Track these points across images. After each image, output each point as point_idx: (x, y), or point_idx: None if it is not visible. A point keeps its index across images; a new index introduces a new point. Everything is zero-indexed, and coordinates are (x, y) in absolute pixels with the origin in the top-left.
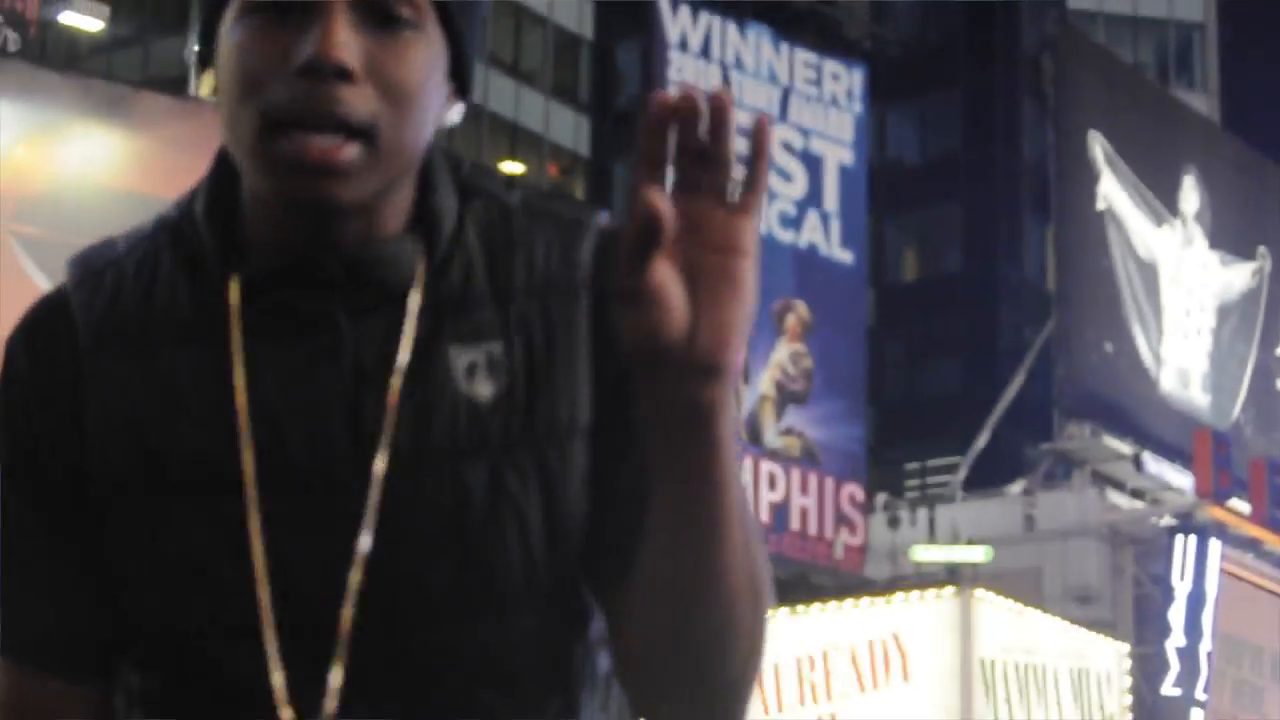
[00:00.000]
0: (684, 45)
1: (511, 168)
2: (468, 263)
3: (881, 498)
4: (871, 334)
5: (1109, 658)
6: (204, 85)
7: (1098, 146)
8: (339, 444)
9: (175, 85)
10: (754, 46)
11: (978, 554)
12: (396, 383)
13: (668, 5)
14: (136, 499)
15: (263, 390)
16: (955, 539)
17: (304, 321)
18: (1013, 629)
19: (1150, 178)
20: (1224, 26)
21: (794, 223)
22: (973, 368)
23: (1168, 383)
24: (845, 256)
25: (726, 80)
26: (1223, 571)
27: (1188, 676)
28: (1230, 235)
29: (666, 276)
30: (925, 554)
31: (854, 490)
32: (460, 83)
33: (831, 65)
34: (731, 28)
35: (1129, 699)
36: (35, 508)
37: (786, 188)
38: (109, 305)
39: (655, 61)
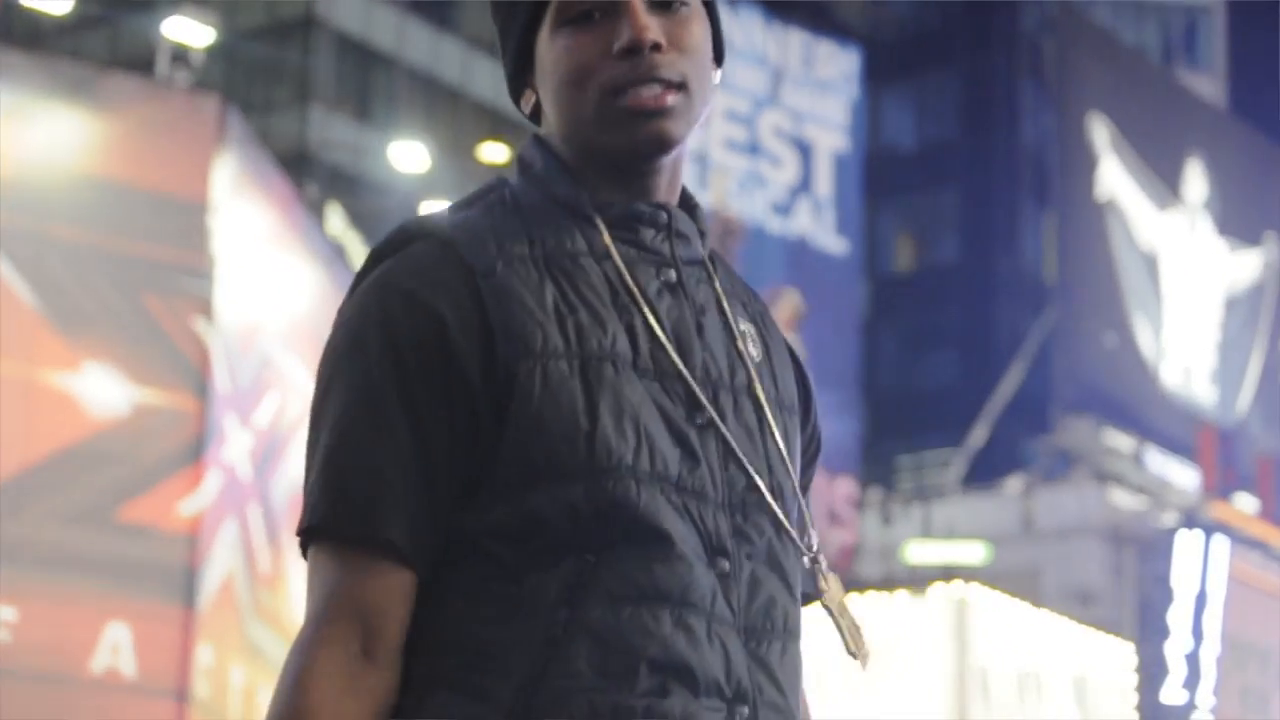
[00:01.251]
0: None
1: (494, 149)
2: (718, 261)
3: (875, 493)
4: (865, 325)
5: (1112, 661)
6: (526, 104)
7: (1100, 130)
8: (697, 348)
9: (143, 66)
10: (745, 26)
11: (974, 552)
12: (719, 322)
13: None
14: (573, 365)
15: (650, 302)
16: (951, 536)
17: (656, 257)
18: (1011, 631)
19: (1154, 163)
20: (1231, 7)
21: (785, 210)
22: (969, 360)
23: (1170, 376)
24: (838, 245)
25: None
26: (1230, 573)
27: (1193, 681)
28: (1237, 222)
29: None
30: (919, 552)
31: (847, 486)
32: (717, 53)
33: (825, 47)
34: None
35: (1134, 702)
36: (434, 405)
37: (778, 174)
38: (491, 236)
39: None
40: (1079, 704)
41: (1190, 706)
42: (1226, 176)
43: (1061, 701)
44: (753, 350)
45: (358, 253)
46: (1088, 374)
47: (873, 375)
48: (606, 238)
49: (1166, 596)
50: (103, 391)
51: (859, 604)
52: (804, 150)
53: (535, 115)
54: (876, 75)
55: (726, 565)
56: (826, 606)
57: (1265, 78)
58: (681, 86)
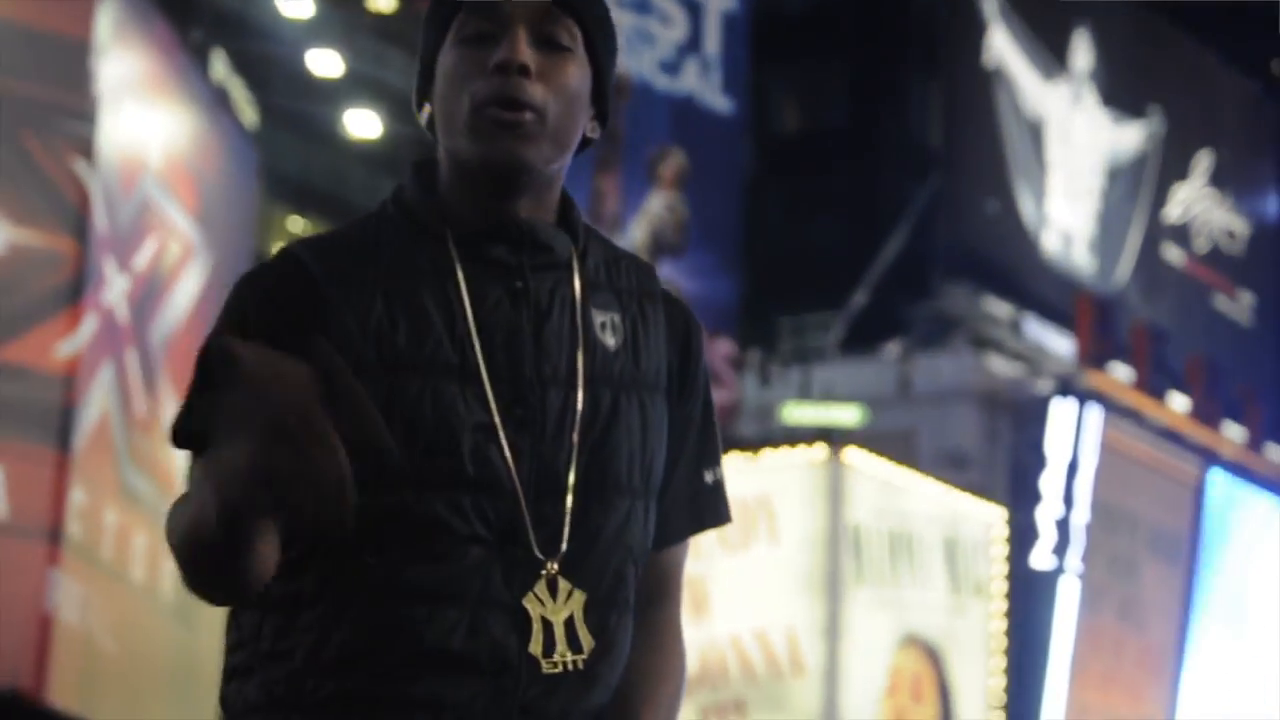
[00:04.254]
0: None
1: None
2: (596, 260)
3: (754, 355)
4: (750, 186)
5: (983, 524)
6: (423, 116)
7: None
8: (528, 358)
9: None
10: None
11: (850, 415)
12: (565, 321)
13: None
14: (400, 377)
15: (479, 312)
16: (829, 399)
17: (504, 270)
18: (885, 492)
19: (1041, 32)
20: None
21: (672, 69)
22: (853, 224)
23: (1051, 244)
24: (725, 105)
25: None
26: (1102, 441)
27: (1062, 546)
28: (1122, 93)
29: None
30: (797, 413)
31: (726, 346)
32: (599, 109)
33: None
34: None
35: (1003, 568)
36: None
37: (666, 32)
38: (345, 256)
39: None
40: (949, 566)
41: (1059, 571)
42: (1113, 48)
43: (932, 563)
44: (610, 339)
45: (241, 98)
46: (969, 241)
47: (756, 237)
48: (453, 255)
49: (1039, 463)
50: None
51: (737, 463)
52: (693, 8)
53: (431, 127)
54: None
55: (517, 553)
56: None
57: None
58: (538, 112)
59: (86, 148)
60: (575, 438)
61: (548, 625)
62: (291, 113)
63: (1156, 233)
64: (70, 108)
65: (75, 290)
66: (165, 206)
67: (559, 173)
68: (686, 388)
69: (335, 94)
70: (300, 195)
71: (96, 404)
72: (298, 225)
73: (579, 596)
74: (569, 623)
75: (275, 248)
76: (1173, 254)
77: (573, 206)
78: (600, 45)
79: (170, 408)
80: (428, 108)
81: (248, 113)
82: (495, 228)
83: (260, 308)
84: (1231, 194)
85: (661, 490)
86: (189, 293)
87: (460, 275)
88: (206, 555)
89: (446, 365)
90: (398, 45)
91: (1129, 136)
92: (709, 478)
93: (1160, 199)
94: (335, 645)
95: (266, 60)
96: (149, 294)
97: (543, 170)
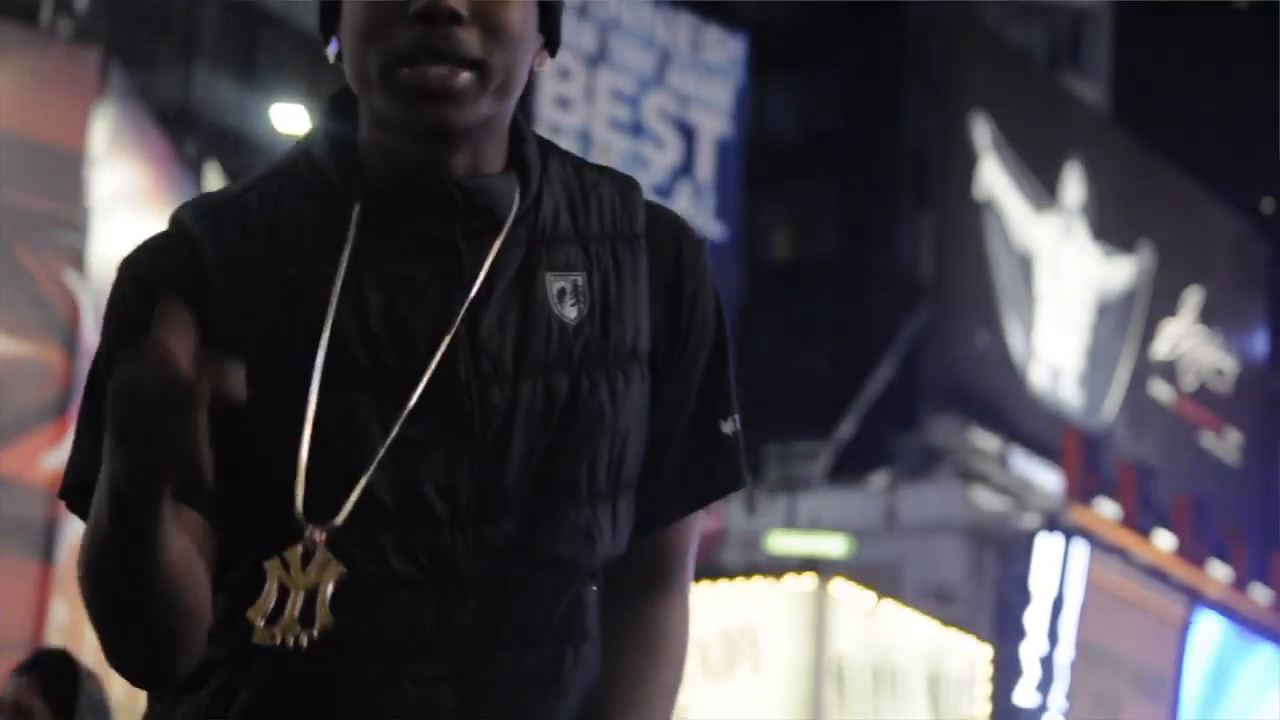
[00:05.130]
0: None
1: None
2: (555, 205)
3: None
4: (740, 312)
5: (968, 660)
6: (330, 51)
7: (982, 130)
8: (461, 347)
9: (27, 14)
10: (634, 7)
11: (836, 545)
12: (510, 297)
13: None
14: (263, 387)
15: (380, 298)
16: (815, 528)
17: (426, 242)
18: (869, 624)
19: (1033, 164)
20: (1117, 14)
21: (666, 193)
22: (842, 353)
23: (1039, 378)
24: (717, 231)
25: (604, 41)
26: (1088, 578)
27: (1046, 683)
28: (1113, 228)
29: None
30: (782, 542)
31: None
32: (549, 38)
33: (714, 32)
34: None
35: (987, 705)
36: None
37: (659, 156)
38: (236, 230)
39: None
40: (933, 701)
41: (1043, 709)
42: (1105, 182)
43: (916, 698)
44: (569, 310)
45: None
46: (957, 372)
47: (745, 363)
48: (352, 226)
49: (1024, 598)
50: None
51: (722, 591)
52: (687, 133)
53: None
54: (763, 63)
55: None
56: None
57: (1148, 85)
58: (478, 66)
59: (78, 259)
60: (523, 442)
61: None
62: None
63: (1145, 369)
64: (63, 218)
65: (63, 402)
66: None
67: (505, 114)
68: (681, 339)
69: None
70: None
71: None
72: None
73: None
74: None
75: None
76: (1161, 391)
77: (525, 139)
78: None
79: None
80: (336, 42)
81: None
82: (419, 193)
83: (140, 302)
84: (1220, 332)
85: (654, 462)
86: None
87: (372, 254)
88: (111, 561)
89: (354, 370)
90: None
91: (1119, 271)
92: (725, 428)
93: (1149, 335)
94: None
95: None
96: None
97: (481, 125)
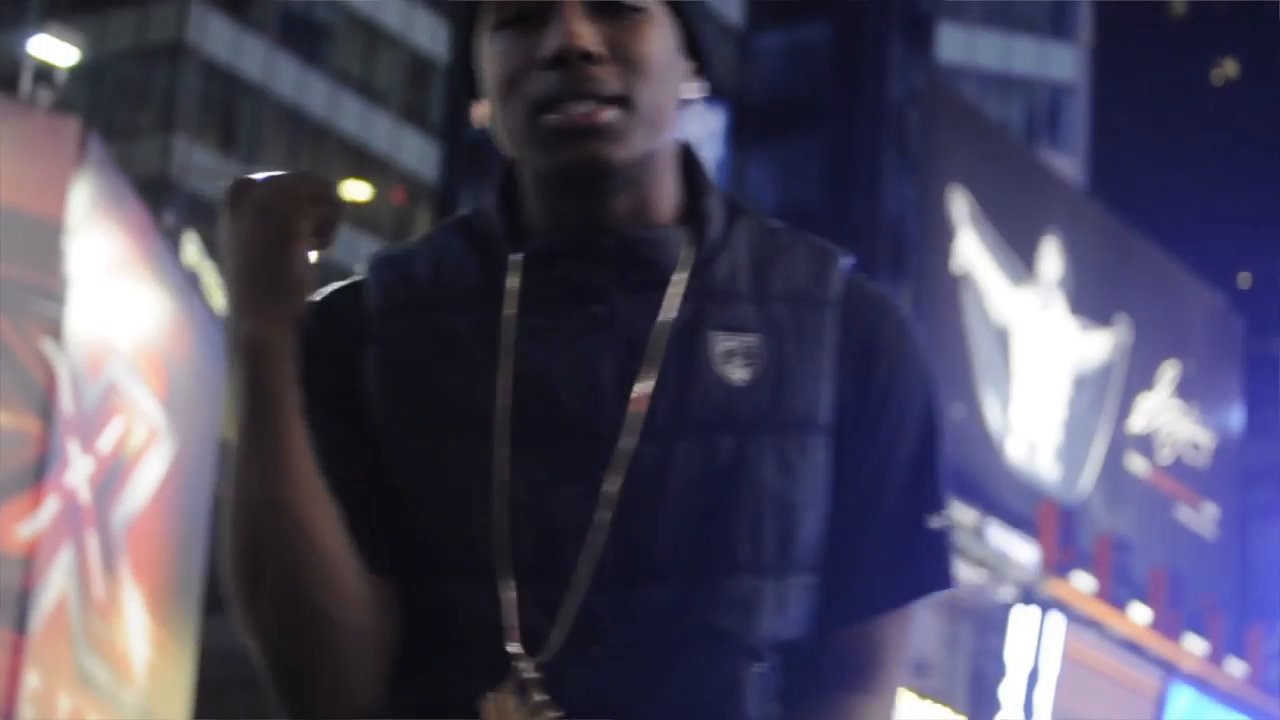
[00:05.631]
0: None
1: (357, 187)
2: (734, 263)
3: None
4: None
5: None
6: (478, 115)
7: (959, 203)
8: (605, 398)
9: (7, 84)
10: None
11: None
12: (663, 353)
13: None
14: (409, 440)
15: (532, 349)
16: None
17: (580, 293)
18: None
19: (1011, 238)
20: (1095, 89)
21: None
22: None
23: (1015, 451)
24: None
25: None
26: (1063, 651)
27: None
28: (1090, 302)
29: None
30: None
31: None
32: (698, 61)
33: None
34: None
35: None
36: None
37: None
38: (400, 278)
39: None
40: None
41: None
42: (1082, 256)
43: None
44: (737, 372)
45: (213, 282)
46: None
47: None
48: (512, 278)
49: (1000, 670)
50: None
51: None
52: None
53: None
54: (742, 136)
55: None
56: None
57: (1125, 161)
58: (620, 103)
59: (55, 328)
60: (677, 504)
61: None
62: None
63: (1121, 442)
64: (40, 287)
65: (38, 470)
66: (132, 389)
67: (664, 153)
68: (873, 418)
69: None
70: None
71: (55, 587)
72: None
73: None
74: None
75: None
76: (1137, 464)
77: (705, 193)
78: None
79: (130, 591)
80: (479, 107)
81: (219, 297)
82: (576, 242)
83: (316, 333)
84: (1197, 405)
85: (847, 549)
86: (153, 477)
87: (527, 306)
88: (252, 482)
89: (478, 421)
90: (372, 233)
91: (1096, 345)
92: (931, 523)
93: (1126, 409)
94: None
95: None
96: (112, 477)
97: (638, 163)
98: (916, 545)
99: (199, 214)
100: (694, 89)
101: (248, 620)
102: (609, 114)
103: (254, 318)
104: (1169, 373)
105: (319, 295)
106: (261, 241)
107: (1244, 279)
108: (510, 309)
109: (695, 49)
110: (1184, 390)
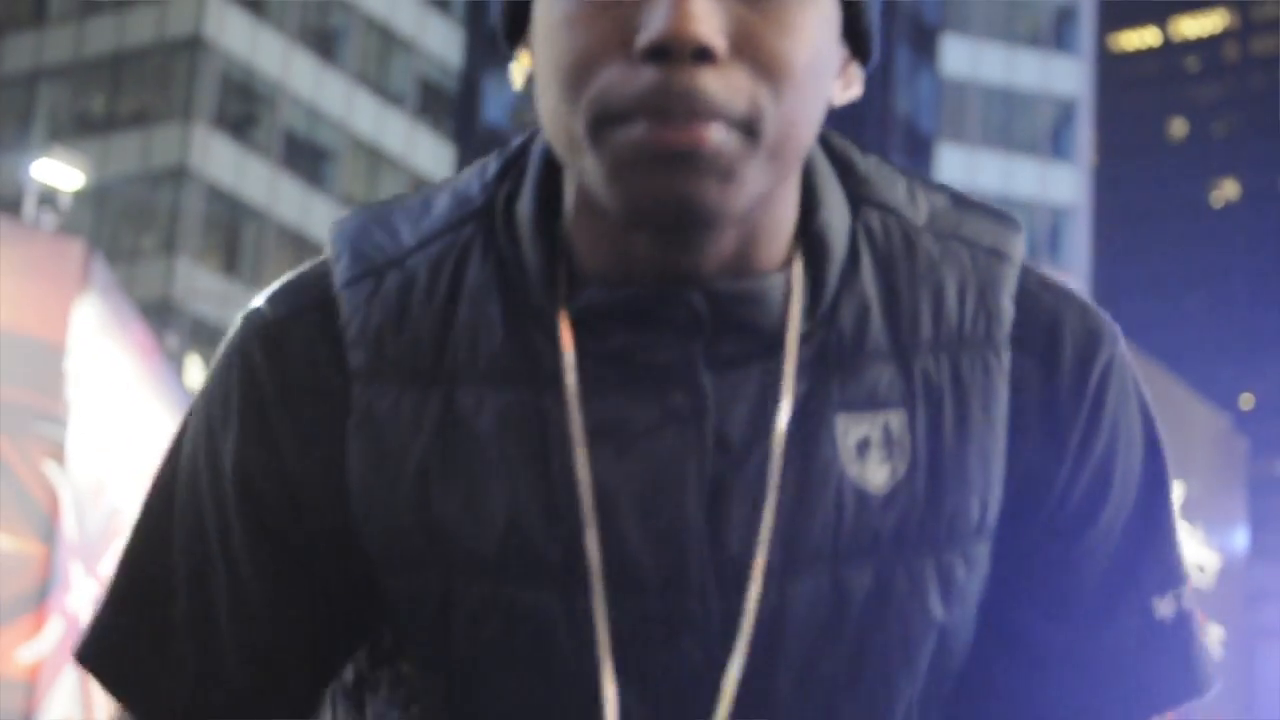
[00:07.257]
0: None
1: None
2: (862, 304)
3: None
4: None
5: None
6: (516, 74)
7: None
8: (693, 534)
9: (11, 207)
10: None
11: None
12: (774, 462)
13: None
14: (427, 578)
15: (599, 456)
16: None
17: (652, 373)
18: None
19: None
20: (1096, 211)
21: None
22: None
23: None
24: None
25: None
26: None
27: None
28: None
29: None
30: None
31: None
32: (856, 44)
33: None
34: None
35: None
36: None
37: None
38: (393, 319)
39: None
40: None
41: None
42: None
43: None
44: (875, 472)
45: None
46: None
47: None
48: (566, 345)
49: None
50: None
51: None
52: None
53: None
54: None
55: None
56: None
57: (1127, 282)
58: (742, 125)
59: (58, 451)
60: (794, 656)
61: None
62: None
63: None
64: (43, 410)
65: (40, 594)
66: (135, 512)
67: (788, 188)
68: (1071, 489)
69: None
70: None
71: (57, 712)
72: None
73: None
74: None
75: None
76: None
77: (821, 202)
78: None
79: None
80: (524, 60)
81: None
82: (645, 297)
83: (272, 387)
84: (1202, 527)
85: (1066, 680)
86: None
87: (569, 388)
88: None
89: (534, 560)
90: None
91: None
92: (1160, 609)
93: None
94: None
95: None
96: None
97: (748, 214)
98: (1147, 642)
99: (202, 336)
100: (847, 86)
101: None
102: (720, 136)
103: None
104: (1174, 494)
105: (265, 312)
106: None
107: (1246, 400)
108: (570, 391)
109: (858, 29)
110: (1189, 511)
